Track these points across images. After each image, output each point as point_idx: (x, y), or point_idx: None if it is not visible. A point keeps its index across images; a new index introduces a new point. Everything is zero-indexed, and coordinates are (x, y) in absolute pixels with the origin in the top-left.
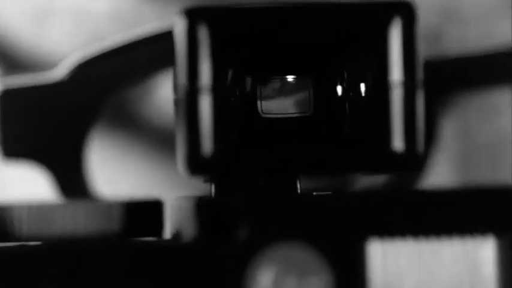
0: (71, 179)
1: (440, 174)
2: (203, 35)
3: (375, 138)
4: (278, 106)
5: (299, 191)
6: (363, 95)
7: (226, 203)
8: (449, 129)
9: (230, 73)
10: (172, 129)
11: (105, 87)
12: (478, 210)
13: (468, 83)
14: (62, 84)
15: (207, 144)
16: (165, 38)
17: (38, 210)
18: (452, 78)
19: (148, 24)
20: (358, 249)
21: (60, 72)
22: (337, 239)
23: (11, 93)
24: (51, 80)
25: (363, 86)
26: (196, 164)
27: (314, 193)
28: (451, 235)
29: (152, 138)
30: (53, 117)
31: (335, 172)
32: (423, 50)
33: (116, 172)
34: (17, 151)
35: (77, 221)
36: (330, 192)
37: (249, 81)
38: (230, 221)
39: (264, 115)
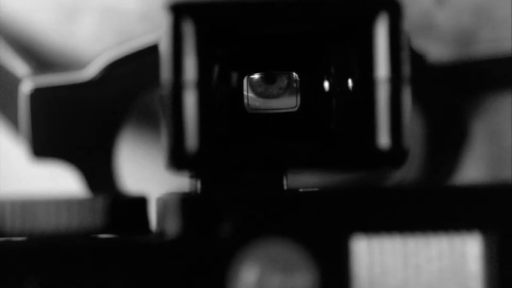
0: (100, 178)
1: (471, 176)
2: (188, 30)
3: (361, 134)
4: (264, 101)
5: (285, 187)
6: (350, 90)
7: (211, 199)
8: (480, 131)
9: (216, 68)
10: None
11: (134, 87)
12: (464, 206)
13: (500, 84)
14: (91, 83)
15: (191, 139)
16: None
17: (22, 205)
18: (483, 79)
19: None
20: (343, 245)
21: (90, 71)
22: (322, 235)
23: (41, 93)
24: (81, 79)
25: (349, 82)
26: (180, 160)
27: (300, 189)
28: (437, 231)
29: None
30: (82, 117)
31: (321, 168)
32: (454, 52)
33: (145, 171)
34: (47, 150)
35: (60, 217)
36: (315, 189)
37: (235, 76)
38: (214, 217)
39: (250, 110)
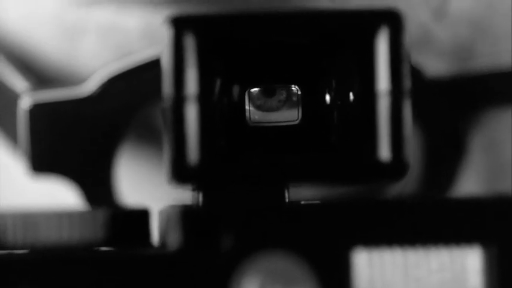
0: (99, 194)
1: (468, 189)
2: (189, 43)
3: (362, 147)
4: (265, 115)
5: (287, 200)
6: (350, 103)
7: (212, 211)
8: (478, 145)
9: (217, 81)
10: None
11: (134, 102)
12: (464, 220)
13: (498, 98)
14: (91, 98)
15: (193, 153)
16: None
17: (24, 218)
18: (482, 93)
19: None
20: (344, 258)
21: (89, 87)
22: (323, 248)
23: (40, 108)
24: (80, 94)
25: (350, 95)
26: (182, 173)
27: (301, 202)
28: (437, 244)
29: None
30: (81, 132)
31: (322, 181)
32: (453, 66)
33: (144, 186)
34: (46, 165)
35: (62, 230)
36: (316, 201)
37: (236, 89)
38: (216, 230)
39: (251, 123)
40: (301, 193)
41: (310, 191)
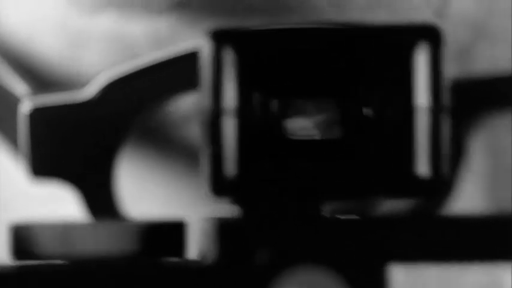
0: (100, 198)
1: (469, 195)
2: (228, 57)
3: (400, 162)
4: (304, 128)
5: (324, 213)
6: (389, 118)
7: (248, 224)
8: (478, 149)
9: (256, 95)
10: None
11: (134, 106)
12: (502, 237)
13: (498, 102)
14: (91, 102)
15: (230, 166)
16: (192, 58)
17: (62, 229)
18: (482, 97)
19: (178, 44)
20: (379, 273)
21: (89, 91)
22: (359, 262)
23: (40, 112)
24: (80, 98)
25: (388, 110)
26: (220, 186)
27: (338, 216)
28: (474, 260)
29: (180, 157)
30: (82, 136)
31: (360, 196)
32: (452, 68)
33: (145, 191)
34: (46, 170)
35: (99, 241)
36: (353, 216)
37: (275, 103)
38: (252, 243)
39: (289, 137)
40: (340, 206)
41: (348, 204)
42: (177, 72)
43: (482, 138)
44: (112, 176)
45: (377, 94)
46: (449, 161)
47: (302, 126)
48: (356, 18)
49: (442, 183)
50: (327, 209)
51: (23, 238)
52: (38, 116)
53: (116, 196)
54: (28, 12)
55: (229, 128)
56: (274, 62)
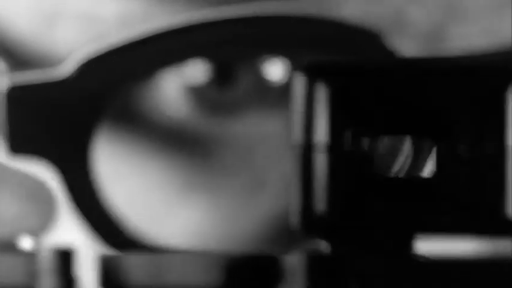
0: (77, 176)
1: None
2: (321, 92)
3: (491, 202)
4: (395, 166)
5: (414, 251)
6: (482, 158)
7: (337, 260)
8: None
9: (348, 132)
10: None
11: (110, 84)
12: None
13: None
14: (68, 81)
15: (321, 202)
16: (168, 36)
17: (151, 260)
18: None
19: (153, 22)
20: None
21: (66, 69)
22: None
23: (18, 90)
24: (57, 77)
25: (481, 149)
26: (309, 223)
27: (427, 255)
28: None
29: (155, 135)
30: (59, 114)
31: (450, 235)
32: (426, 49)
33: (121, 169)
34: (24, 147)
35: (188, 272)
36: (443, 256)
37: (366, 140)
38: (341, 278)
39: (380, 175)
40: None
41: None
42: (152, 50)
43: None
44: (89, 153)
45: (470, 134)
46: None
47: (393, 164)
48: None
49: None
50: None
51: (111, 269)
52: (16, 94)
53: (93, 174)
54: None
55: (320, 164)
56: (366, 98)
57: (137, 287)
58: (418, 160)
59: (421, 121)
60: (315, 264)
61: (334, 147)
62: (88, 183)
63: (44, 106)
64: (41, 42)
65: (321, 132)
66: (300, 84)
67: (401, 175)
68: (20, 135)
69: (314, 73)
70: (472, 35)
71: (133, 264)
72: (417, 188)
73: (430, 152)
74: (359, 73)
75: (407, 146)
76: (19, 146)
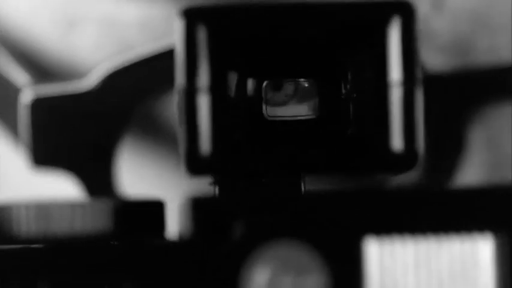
0: (101, 188)
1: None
2: (201, 35)
3: (375, 138)
4: (278, 108)
5: (303, 191)
6: (365, 95)
7: (224, 201)
8: (478, 140)
9: (233, 74)
10: None
11: (134, 96)
12: (476, 209)
13: (498, 93)
14: (92, 93)
15: (205, 144)
16: None
17: (37, 209)
18: (482, 88)
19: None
20: (355, 247)
21: (90, 81)
22: (334, 237)
23: (42, 102)
24: (81, 89)
25: (364, 87)
26: (195, 164)
27: (311, 191)
28: (448, 233)
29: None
30: (82, 126)
31: (336, 173)
32: (453, 59)
33: (145, 180)
34: (47, 159)
35: (74, 221)
36: (327, 191)
37: (252, 83)
38: (227, 220)
39: (267, 117)
40: (315, 184)
41: (323, 181)
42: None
43: (482, 128)
44: (113, 165)
45: (353, 72)
46: (422, 135)
47: (280, 105)
48: None
49: (417, 157)
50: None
51: None
52: (39, 105)
53: (117, 186)
54: (27, 0)
55: (203, 106)
56: (249, 41)
57: (24, 237)
58: (297, 101)
59: (302, 61)
60: (201, 206)
61: (216, 89)
62: (112, 195)
63: (68, 118)
64: (62, 50)
65: (204, 75)
66: (180, 28)
67: (288, 117)
68: (43, 147)
69: (194, 16)
70: (499, 46)
71: (20, 214)
72: (302, 128)
73: (313, 91)
74: (240, 15)
75: (290, 87)
76: (43, 158)
